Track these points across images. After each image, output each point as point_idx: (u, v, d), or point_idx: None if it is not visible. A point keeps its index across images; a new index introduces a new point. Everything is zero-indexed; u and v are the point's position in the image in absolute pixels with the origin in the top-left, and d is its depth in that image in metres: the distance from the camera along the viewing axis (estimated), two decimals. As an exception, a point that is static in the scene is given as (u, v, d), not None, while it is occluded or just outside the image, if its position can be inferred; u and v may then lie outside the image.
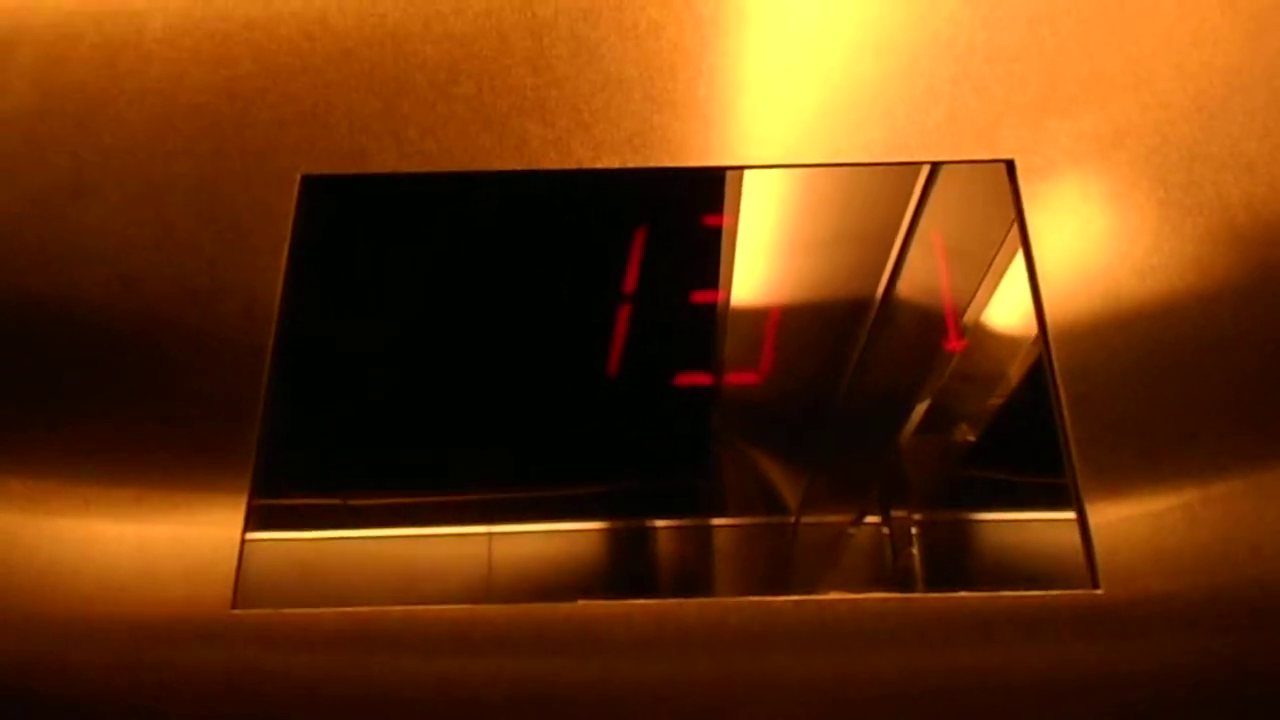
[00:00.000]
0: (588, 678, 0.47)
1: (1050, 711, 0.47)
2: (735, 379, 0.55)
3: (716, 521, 0.53)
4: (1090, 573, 0.49)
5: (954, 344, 0.55)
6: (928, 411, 0.55)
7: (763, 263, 0.58)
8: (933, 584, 0.51)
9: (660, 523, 0.52)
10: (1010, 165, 0.58)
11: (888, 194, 0.59)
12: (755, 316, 0.56)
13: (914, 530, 0.52)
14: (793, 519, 0.53)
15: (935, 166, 0.58)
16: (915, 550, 0.52)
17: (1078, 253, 0.56)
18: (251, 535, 0.50)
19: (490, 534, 0.52)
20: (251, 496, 0.51)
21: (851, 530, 0.52)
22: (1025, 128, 0.59)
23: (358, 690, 0.47)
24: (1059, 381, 0.52)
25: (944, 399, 0.55)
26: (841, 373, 0.56)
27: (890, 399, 0.56)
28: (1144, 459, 0.51)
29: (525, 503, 0.53)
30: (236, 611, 0.48)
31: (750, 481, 0.54)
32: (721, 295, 0.57)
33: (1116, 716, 0.47)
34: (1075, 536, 0.49)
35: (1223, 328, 0.54)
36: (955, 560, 0.52)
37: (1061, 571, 0.49)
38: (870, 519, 0.53)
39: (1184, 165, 0.58)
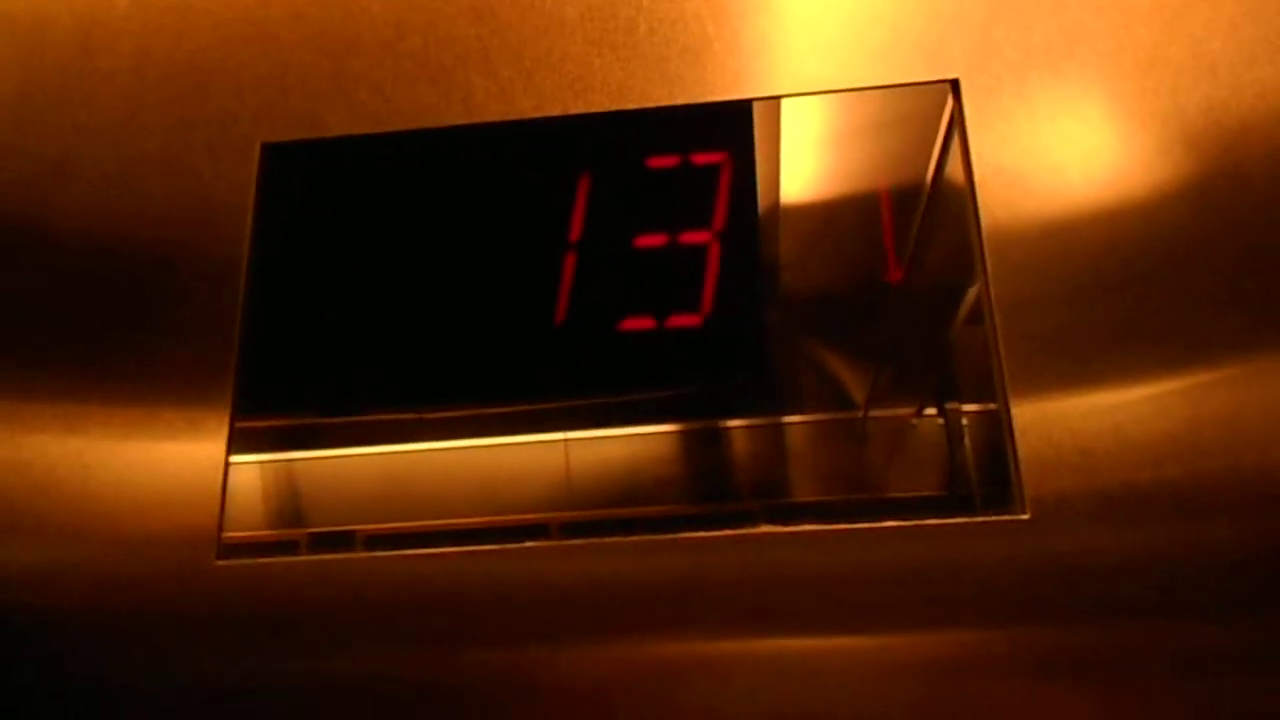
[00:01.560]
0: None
1: (976, 635, 0.48)
2: (678, 320, 0.56)
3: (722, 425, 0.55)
4: (1018, 499, 0.50)
5: (893, 274, 0.55)
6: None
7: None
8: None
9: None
10: (955, 85, 0.57)
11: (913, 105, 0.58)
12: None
13: (965, 422, 0.53)
14: (860, 414, 0.54)
15: (954, 84, 0.57)
16: (968, 443, 0.53)
17: (1022, 173, 0.55)
18: (235, 458, 0.55)
19: (459, 449, 0.56)
20: (233, 421, 0.56)
21: (914, 422, 0.54)
22: (972, 44, 0.57)
23: (327, 634, 0.52)
24: (995, 310, 0.52)
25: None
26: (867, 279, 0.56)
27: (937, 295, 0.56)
28: (1074, 385, 0.51)
29: (486, 420, 0.56)
30: (220, 561, 0.53)
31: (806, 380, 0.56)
32: (710, 234, 0.58)
33: (1042, 639, 0.48)
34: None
35: (1169, 240, 0.53)
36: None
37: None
38: (928, 411, 0.54)
39: (1140, 71, 0.56)
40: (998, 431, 0.51)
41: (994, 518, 0.50)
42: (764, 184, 0.58)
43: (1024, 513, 0.49)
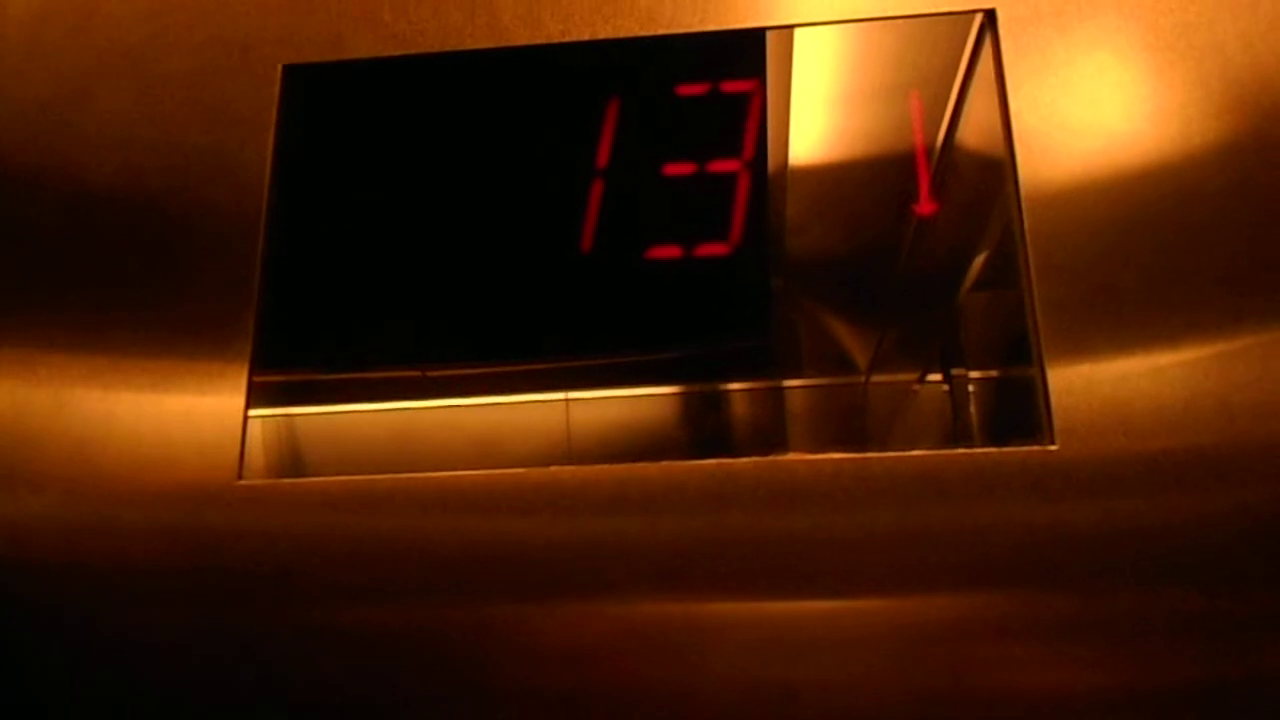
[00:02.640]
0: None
1: (1002, 566, 0.48)
2: (706, 249, 0.56)
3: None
4: (1047, 428, 0.49)
5: (924, 207, 0.55)
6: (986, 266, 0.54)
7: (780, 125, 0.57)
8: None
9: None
10: (990, 14, 0.56)
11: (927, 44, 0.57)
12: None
13: (971, 389, 0.53)
14: (862, 379, 0.54)
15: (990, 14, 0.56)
16: (973, 409, 0.53)
17: (1058, 108, 0.54)
18: (254, 412, 0.54)
19: (470, 405, 0.55)
20: (251, 374, 0.55)
21: (916, 388, 0.54)
22: (1010, -28, 0.56)
23: (349, 551, 0.52)
24: (1027, 239, 0.52)
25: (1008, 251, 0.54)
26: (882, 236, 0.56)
27: (949, 256, 0.55)
28: (1111, 318, 0.50)
29: (506, 376, 0.56)
30: (241, 482, 0.53)
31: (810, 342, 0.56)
32: (739, 163, 0.57)
33: (1067, 571, 0.48)
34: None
35: (1208, 184, 0.52)
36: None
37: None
38: (932, 377, 0.54)
39: (1179, 4, 0.55)
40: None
41: (1023, 448, 0.49)
42: (794, 114, 0.57)
43: (1053, 444, 0.49)
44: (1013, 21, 0.56)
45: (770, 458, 0.51)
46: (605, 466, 0.52)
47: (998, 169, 0.54)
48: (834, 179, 0.57)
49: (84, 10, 0.63)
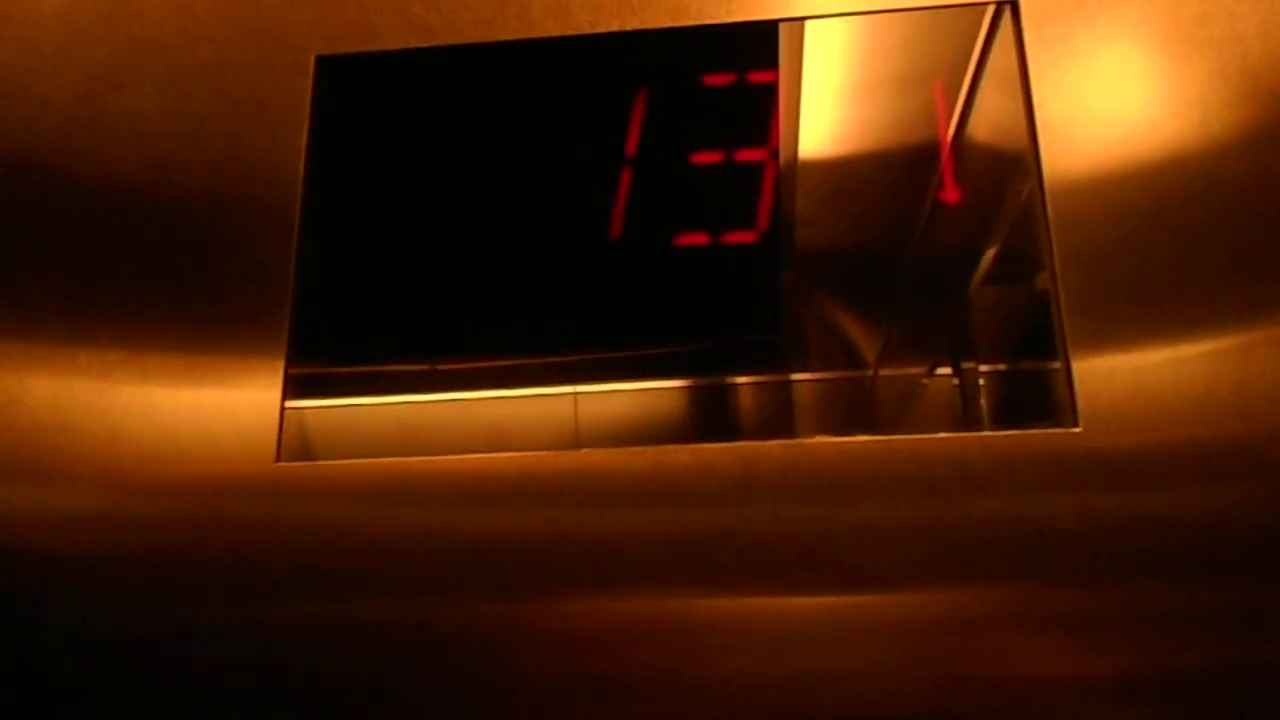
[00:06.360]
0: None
1: (1025, 553, 0.49)
2: (733, 237, 0.57)
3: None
4: (1070, 411, 0.50)
5: (949, 195, 0.56)
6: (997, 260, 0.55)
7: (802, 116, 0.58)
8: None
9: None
10: (1014, 5, 0.57)
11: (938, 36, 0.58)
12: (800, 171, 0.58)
13: (981, 382, 0.54)
14: (870, 372, 0.55)
15: (1001, 7, 0.57)
16: (984, 402, 0.54)
17: (1080, 97, 0.55)
18: (291, 404, 0.55)
19: (497, 398, 0.56)
20: (288, 366, 0.56)
21: (925, 381, 0.55)
22: (1032, -37, 0.57)
23: (381, 536, 0.53)
24: (1051, 226, 0.53)
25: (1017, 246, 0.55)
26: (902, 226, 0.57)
27: (960, 249, 0.56)
28: (1135, 304, 0.51)
29: (535, 369, 0.57)
30: (280, 464, 0.54)
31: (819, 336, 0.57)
32: (766, 152, 0.58)
33: (1089, 558, 0.49)
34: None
35: (1228, 173, 0.53)
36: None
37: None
38: (942, 370, 0.55)
39: (1200, -7, 0.56)
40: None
41: (1047, 430, 0.50)
42: (819, 102, 0.58)
43: (1077, 427, 0.50)
44: (1036, 12, 0.56)
45: (797, 440, 0.52)
46: (636, 449, 0.53)
47: (1011, 162, 0.55)
48: (845, 172, 0.58)
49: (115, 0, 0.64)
